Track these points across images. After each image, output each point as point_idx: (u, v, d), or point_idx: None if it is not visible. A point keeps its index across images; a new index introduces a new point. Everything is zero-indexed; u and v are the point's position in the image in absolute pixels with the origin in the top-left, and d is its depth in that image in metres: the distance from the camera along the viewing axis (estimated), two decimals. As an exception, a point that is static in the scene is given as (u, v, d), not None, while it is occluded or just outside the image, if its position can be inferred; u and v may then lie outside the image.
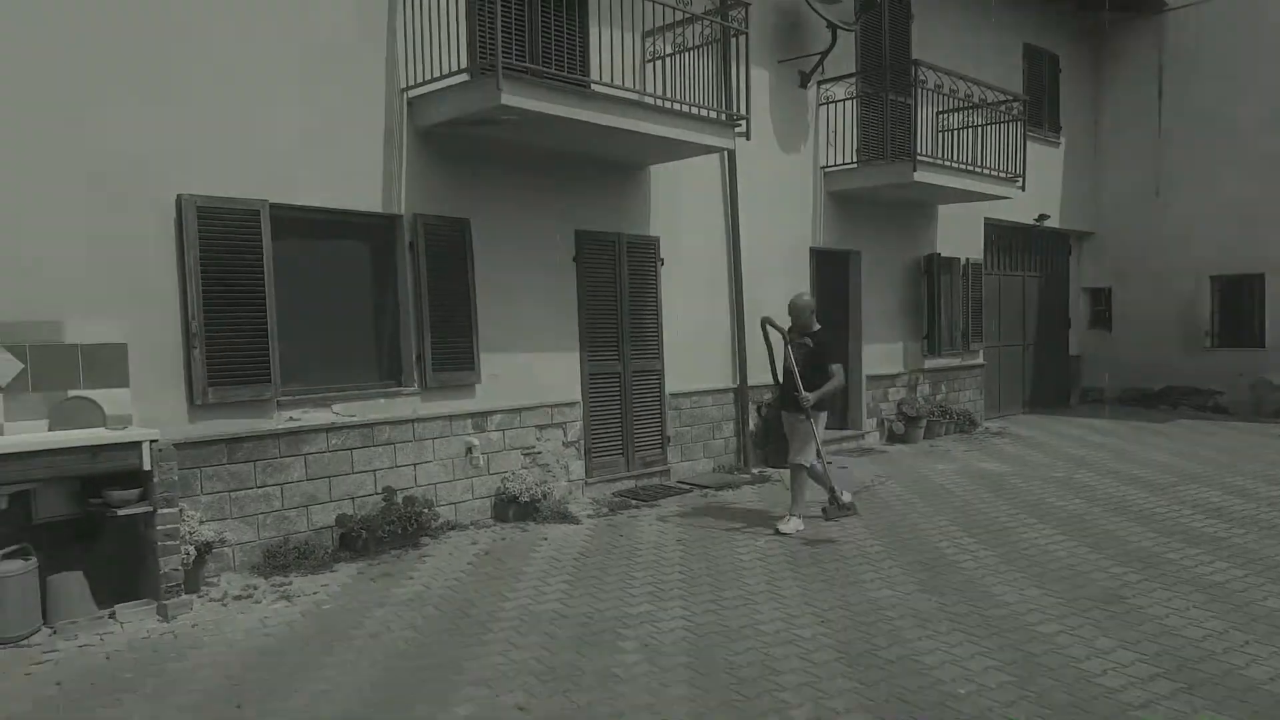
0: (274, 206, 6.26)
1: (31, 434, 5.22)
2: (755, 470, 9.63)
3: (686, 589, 5.67)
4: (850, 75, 10.85)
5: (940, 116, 11.35)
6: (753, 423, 9.93)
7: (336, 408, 6.69)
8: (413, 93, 6.98)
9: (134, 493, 5.22)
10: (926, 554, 6.46)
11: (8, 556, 4.90)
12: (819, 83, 10.67)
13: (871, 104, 11.25)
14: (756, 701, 4.05)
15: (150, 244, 5.78)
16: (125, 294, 5.68)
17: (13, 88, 5.25)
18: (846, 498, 7.40)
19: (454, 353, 7.27)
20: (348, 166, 6.70)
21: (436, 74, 6.82)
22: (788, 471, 7.55)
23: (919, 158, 10.43)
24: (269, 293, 6.21)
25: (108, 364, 5.59)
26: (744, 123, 8.36)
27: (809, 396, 6.90)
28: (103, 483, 5.21)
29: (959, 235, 13.06)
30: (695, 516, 7.69)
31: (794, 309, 7.31)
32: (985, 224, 13.65)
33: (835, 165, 10.89)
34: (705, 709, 3.97)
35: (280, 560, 6.16)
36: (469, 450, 7.46)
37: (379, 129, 6.87)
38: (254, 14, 6.22)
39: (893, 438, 11.90)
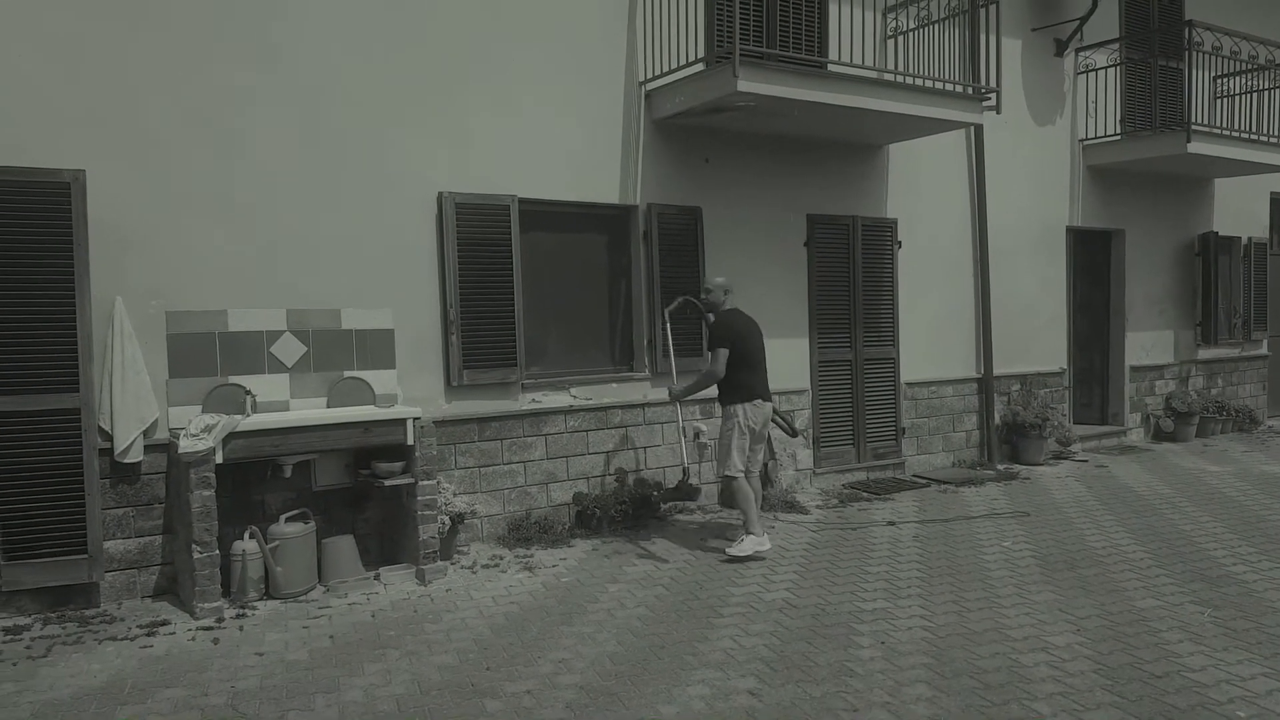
0: (522, 201, 6.59)
1: (313, 410, 5.81)
2: (1001, 466, 9.06)
3: (925, 587, 5.42)
4: (1113, 40, 9.94)
5: (1218, 81, 10.13)
6: (998, 415, 9.33)
7: (574, 391, 6.95)
8: (650, 85, 7.11)
9: (398, 465, 5.68)
10: (1199, 562, 5.80)
11: (291, 520, 5.47)
12: (1077, 50, 9.85)
13: (1137, 71, 10.26)
14: (1004, 708, 3.79)
15: (415, 239, 6.25)
16: (393, 285, 6.18)
17: (307, 114, 5.85)
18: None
19: (683, 338, 7.35)
20: (589, 161, 6.93)
21: (673, 65, 6.90)
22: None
23: (1194, 127, 9.36)
24: (516, 282, 6.55)
25: (377, 348, 6.11)
26: (993, 96, 7.85)
27: (674, 387, 6.64)
28: (371, 455, 5.71)
29: (1240, 211, 11.64)
30: (933, 512, 7.33)
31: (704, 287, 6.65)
32: (1272, 199, 12.06)
33: (1096, 138, 10.01)
34: (946, 711, 3.76)
35: (523, 533, 6.50)
36: (696, 435, 7.52)
37: (618, 124, 7.05)
38: (509, 24, 6.55)
39: (1159, 435, 10.79)
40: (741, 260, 7.67)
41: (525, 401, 6.72)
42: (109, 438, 5.19)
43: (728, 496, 6.35)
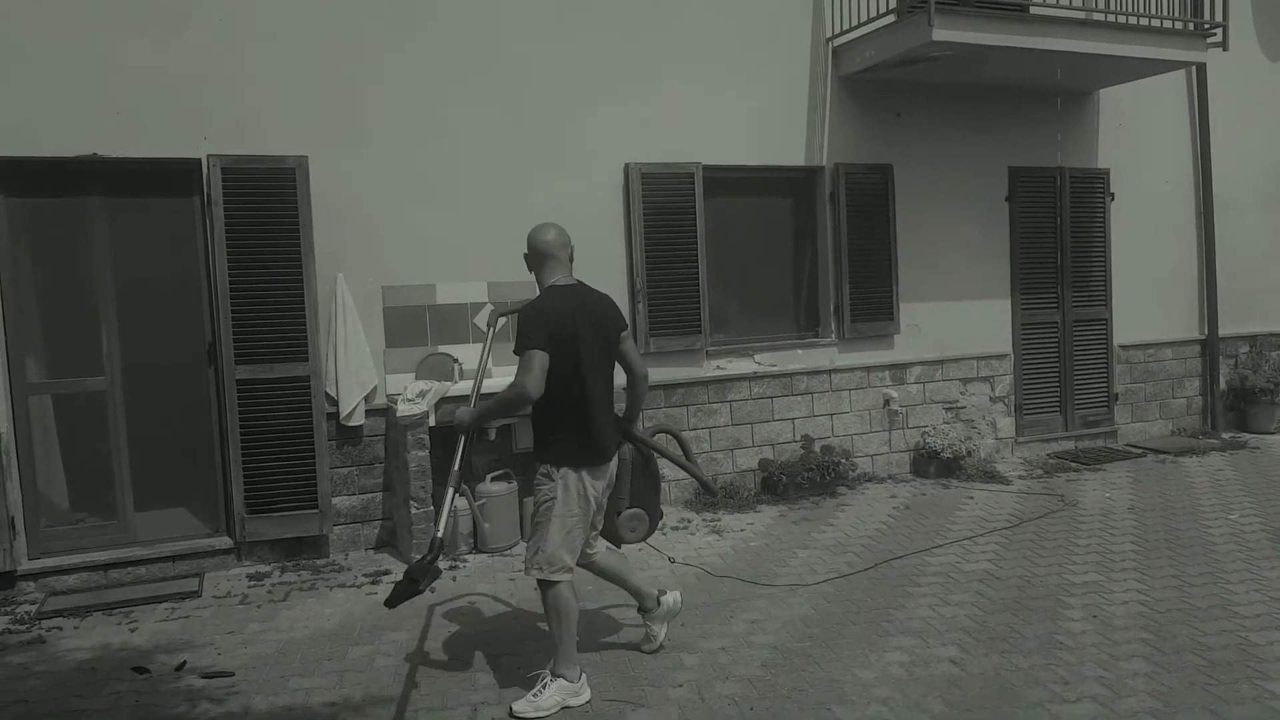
0: (706, 168, 6.60)
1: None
2: (1226, 435, 8.30)
3: (1141, 561, 5.07)
4: (1369, -46, 8.74)
5: None
6: (1224, 380, 8.54)
7: (758, 357, 6.94)
8: (837, 41, 6.94)
9: (590, 429, 5.86)
10: None
11: (496, 479, 5.79)
12: (1321, -31, 8.75)
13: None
14: (1232, 687, 3.51)
15: (603, 210, 6.40)
16: (582, 255, 6.18)
17: (503, 98, 6.09)
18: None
19: (872, 302, 7.17)
20: (773, 124, 6.85)
21: (862, 19, 6.68)
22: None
23: None
24: (701, 249, 6.59)
25: (567, 316, 6.32)
26: (1219, 31, 7.14)
27: (465, 411, 3.79)
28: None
29: None
30: (1150, 484, 6.82)
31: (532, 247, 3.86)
32: None
33: (1345, 69, 8.87)
34: (1167, 687, 3.53)
35: (709, 498, 6.57)
36: (886, 402, 7.34)
37: (804, 84, 6.93)
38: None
39: None
40: (936, 218, 7.38)
41: (710, 368, 6.77)
42: (334, 403, 5.66)
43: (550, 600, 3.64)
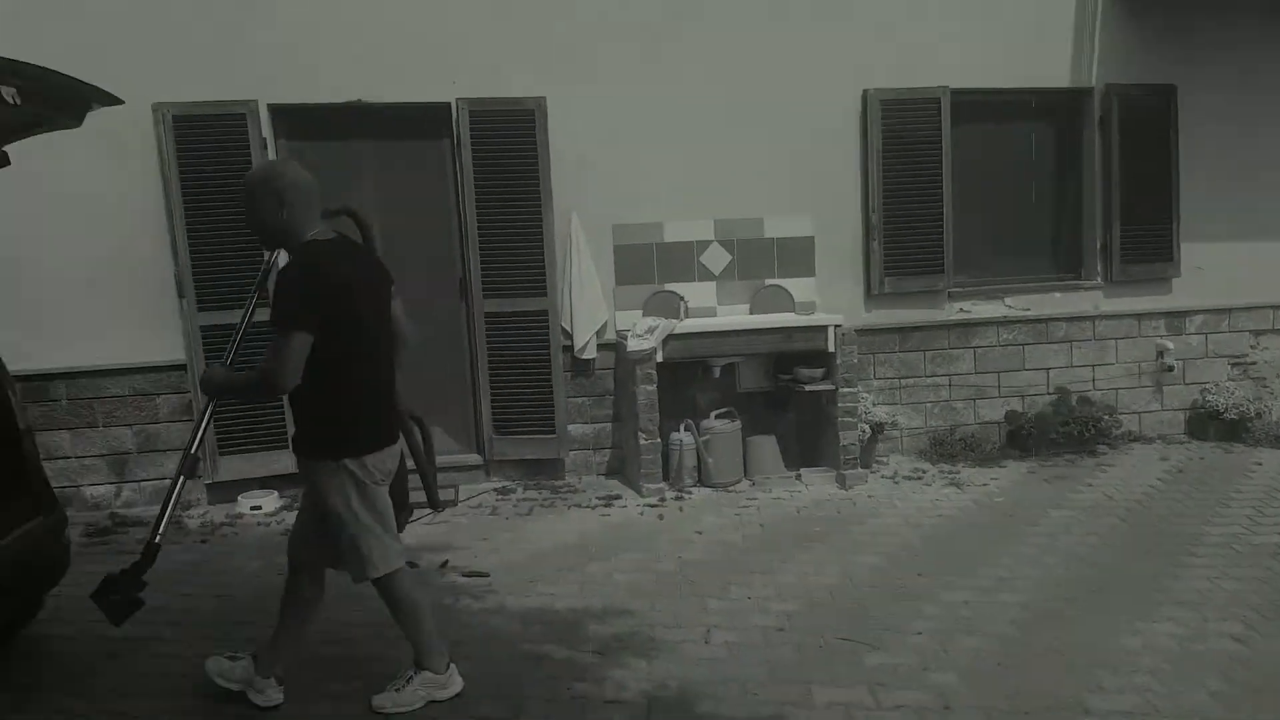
0: (954, 92, 6.09)
1: (738, 316, 6.01)
2: None
3: None
4: None
5: None
6: None
7: (1008, 301, 6.42)
8: (1116, -58, 6.16)
9: (819, 371, 5.68)
10: None
11: (720, 416, 5.74)
12: None
13: None
14: None
15: (836, 142, 6.07)
16: (813, 192, 6.09)
17: (731, 28, 5.89)
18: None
19: (1146, 242, 6.40)
20: (1033, 40, 6.20)
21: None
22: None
23: None
24: (946, 182, 6.12)
25: (797, 256, 6.12)
26: None
27: (217, 372, 2.99)
28: (790, 361, 5.77)
29: None
30: None
31: (246, 194, 2.96)
32: None
33: None
34: None
35: (947, 449, 6.18)
36: (1160, 354, 6.57)
37: (1070, -8, 6.23)
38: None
39: None
40: (1230, 146, 6.44)
41: (952, 311, 6.34)
42: (569, 337, 5.80)
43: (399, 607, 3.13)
